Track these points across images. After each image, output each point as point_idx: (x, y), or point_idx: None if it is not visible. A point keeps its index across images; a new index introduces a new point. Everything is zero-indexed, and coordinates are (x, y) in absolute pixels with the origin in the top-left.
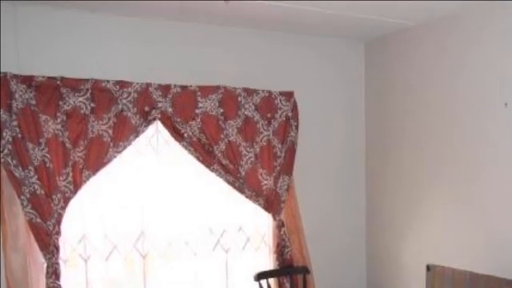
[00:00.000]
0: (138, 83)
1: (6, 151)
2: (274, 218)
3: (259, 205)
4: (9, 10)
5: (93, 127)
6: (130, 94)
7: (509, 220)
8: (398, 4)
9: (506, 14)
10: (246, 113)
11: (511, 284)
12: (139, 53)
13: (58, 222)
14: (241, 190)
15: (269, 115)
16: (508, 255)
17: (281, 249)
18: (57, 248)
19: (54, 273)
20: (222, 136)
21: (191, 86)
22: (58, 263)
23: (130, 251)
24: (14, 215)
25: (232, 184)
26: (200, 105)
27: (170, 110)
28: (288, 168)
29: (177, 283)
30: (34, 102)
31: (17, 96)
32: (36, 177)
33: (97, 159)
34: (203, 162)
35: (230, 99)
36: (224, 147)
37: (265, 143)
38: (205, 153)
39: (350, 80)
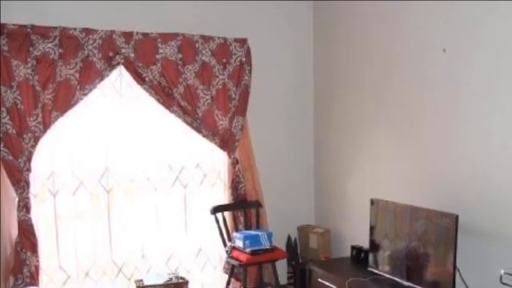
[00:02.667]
0: (102, 31)
1: None
2: (229, 156)
3: (215, 143)
4: None
5: (61, 71)
6: (95, 40)
7: (446, 157)
8: None
9: None
10: (203, 58)
11: (449, 216)
12: (104, 2)
13: (29, 160)
14: (198, 130)
15: (224, 60)
16: (446, 190)
17: (235, 184)
18: (27, 183)
19: (24, 206)
20: (181, 80)
21: (152, 34)
22: (28, 198)
23: (96, 186)
24: None
25: (190, 124)
26: (160, 51)
27: (132, 55)
28: (242, 109)
29: (139, 216)
30: (6, 49)
31: None
32: (8, 117)
33: (64, 101)
34: (163, 103)
35: (188, 45)
36: (183, 90)
37: (220, 86)
38: (165, 95)
39: (300, 28)
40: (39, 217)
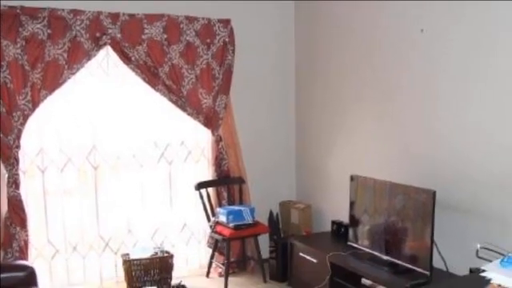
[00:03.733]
0: (90, 12)
1: None
2: (213, 134)
3: (199, 121)
4: None
5: (49, 51)
6: (82, 21)
7: (424, 135)
8: None
9: None
10: (187, 38)
11: (427, 192)
12: None
13: (18, 137)
14: (183, 108)
15: (208, 40)
16: (424, 167)
17: (219, 161)
18: (17, 160)
19: (14, 182)
20: (166, 59)
21: (138, 14)
22: (17, 174)
23: (83, 163)
24: None
25: (175, 102)
26: (146, 31)
27: (119, 35)
28: (225, 88)
29: (125, 192)
30: None
31: None
32: None
33: (53, 80)
34: (149, 82)
35: (173, 26)
36: (168, 69)
37: (204, 66)
38: (150, 74)
39: (282, 10)
40: (28, 193)
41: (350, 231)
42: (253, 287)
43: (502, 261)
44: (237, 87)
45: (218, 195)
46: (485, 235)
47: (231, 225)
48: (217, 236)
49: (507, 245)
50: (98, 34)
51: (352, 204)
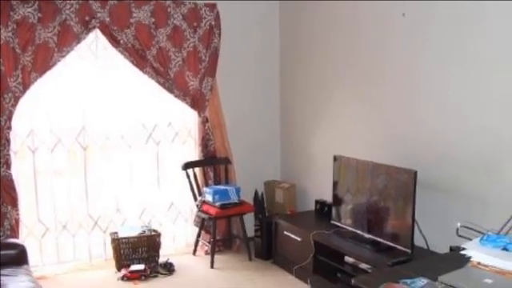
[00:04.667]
0: None
1: None
2: (200, 115)
3: (186, 103)
4: None
5: (40, 35)
6: (72, 5)
7: (405, 117)
8: None
9: None
10: (174, 22)
11: (408, 172)
12: None
13: (9, 118)
14: (170, 90)
15: (195, 24)
16: (405, 148)
17: (205, 142)
18: (8, 141)
19: (5, 163)
20: (154, 42)
21: None
22: (9, 154)
23: (73, 144)
24: None
25: (162, 85)
26: (134, 15)
27: (107, 19)
28: (212, 71)
29: (113, 172)
30: None
31: None
32: None
33: (43, 63)
34: (137, 65)
35: (160, 10)
36: (155, 52)
37: (191, 49)
38: (138, 57)
39: None
40: (19, 173)
41: (334, 210)
42: (238, 265)
43: (482, 239)
44: (223, 70)
45: (205, 175)
46: (465, 214)
47: (217, 204)
48: (203, 215)
49: (486, 224)
50: (87, 18)
51: (335, 184)
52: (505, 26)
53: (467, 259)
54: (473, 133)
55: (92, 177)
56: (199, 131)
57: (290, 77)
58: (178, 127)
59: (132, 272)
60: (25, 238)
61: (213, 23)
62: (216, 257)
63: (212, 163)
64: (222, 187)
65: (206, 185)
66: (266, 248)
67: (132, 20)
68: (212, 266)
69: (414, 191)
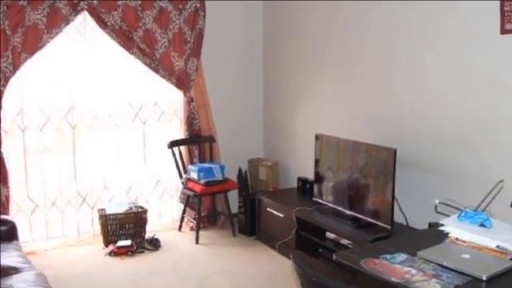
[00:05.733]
0: None
1: None
2: (185, 95)
3: (172, 83)
4: None
5: (29, 16)
6: None
7: (385, 96)
8: None
9: None
10: (160, 4)
11: (388, 150)
12: None
13: (0, 98)
14: (156, 71)
15: (180, 6)
16: (385, 126)
17: (190, 121)
18: None
19: None
20: (140, 24)
21: None
22: None
23: (62, 123)
24: None
25: (149, 65)
26: None
27: (95, 1)
28: (197, 51)
29: (101, 150)
30: None
31: None
32: None
33: (33, 44)
34: (124, 46)
35: None
36: (142, 34)
37: (177, 30)
38: (125, 39)
39: None
40: (9, 151)
41: (315, 187)
42: (222, 241)
43: (460, 215)
44: (208, 51)
45: (190, 153)
46: (443, 191)
47: (202, 181)
48: (188, 192)
49: (464, 200)
50: (75, 0)
51: (317, 162)
52: (480, 8)
53: (445, 235)
54: (450, 111)
55: (80, 155)
56: (184, 110)
57: (272, 57)
58: (163, 106)
59: (119, 248)
60: (15, 215)
61: (198, 5)
62: (201, 233)
63: (197, 141)
64: (206, 165)
65: (191, 163)
66: (250, 224)
67: (119, 2)
68: (197, 242)
69: (393, 169)
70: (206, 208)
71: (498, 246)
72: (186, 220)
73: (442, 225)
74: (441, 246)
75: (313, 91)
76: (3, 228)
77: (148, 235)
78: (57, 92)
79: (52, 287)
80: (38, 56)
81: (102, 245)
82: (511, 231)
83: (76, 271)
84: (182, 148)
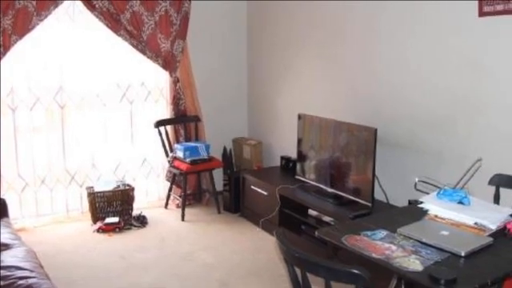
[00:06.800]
0: None
1: None
2: (171, 75)
3: (158, 64)
4: None
5: None
6: None
7: (367, 77)
8: None
9: None
10: None
11: (369, 130)
12: None
13: None
14: (143, 52)
15: None
16: (366, 106)
17: (176, 101)
18: None
19: None
20: (127, 7)
21: None
22: None
23: (51, 103)
24: None
25: (136, 47)
26: None
27: None
28: (182, 33)
29: (89, 129)
30: None
31: None
32: None
33: (23, 26)
34: (112, 28)
35: None
36: (129, 16)
37: (163, 13)
38: (113, 21)
39: None
40: (0, 130)
41: (298, 166)
42: (208, 218)
43: (439, 193)
44: (193, 32)
45: (176, 132)
46: (422, 169)
47: (188, 160)
48: (174, 170)
49: (443, 178)
50: None
51: (300, 141)
52: None
53: (425, 212)
54: (429, 91)
55: (69, 134)
56: (171, 91)
57: (256, 37)
58: (150, 87)
59: (107, 224)
60: (5, 192)
61: None
62: (187, 210)
63: (183, 121)
64: (192, 144)
65: (177, 142)
66: (234, 202)
67: None
68: (183, 219)
69: (374, 148)
70: (191, 186)
71: (476, 223)
72: (172, 197)
73: (421, 202)
74: (420, 223)
75: (296, 71)
76: None
77: (135, 212)
78: (46, 73)
79: (42, 263)
80: (28, 38)
81: (91, 222)
82: (489, 208)
83: (65, 247)
84: (169, 127)
